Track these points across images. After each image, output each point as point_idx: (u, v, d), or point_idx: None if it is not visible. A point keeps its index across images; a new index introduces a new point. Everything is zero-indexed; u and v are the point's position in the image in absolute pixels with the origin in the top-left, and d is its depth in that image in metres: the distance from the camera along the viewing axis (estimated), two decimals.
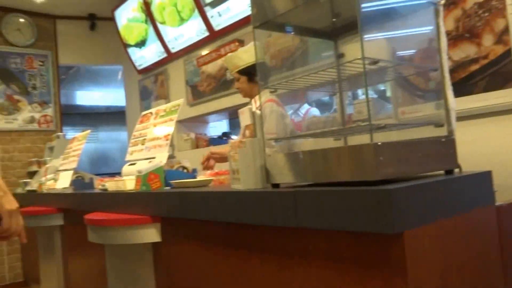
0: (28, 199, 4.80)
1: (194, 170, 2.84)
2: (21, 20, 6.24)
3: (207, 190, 2.01)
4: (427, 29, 1.78)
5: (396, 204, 1.22)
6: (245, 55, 3.02)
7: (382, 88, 2.15)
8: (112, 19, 6.08)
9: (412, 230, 1.27)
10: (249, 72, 3.05)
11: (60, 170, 4.23)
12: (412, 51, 1.92)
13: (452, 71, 2.55)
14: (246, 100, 4.19)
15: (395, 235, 1.24)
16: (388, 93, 2.14)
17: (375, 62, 1.46)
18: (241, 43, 4.32)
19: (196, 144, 5.15)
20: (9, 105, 6.10)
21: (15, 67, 6.18)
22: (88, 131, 4.29)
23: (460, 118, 1.82)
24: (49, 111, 6.40)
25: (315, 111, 3.13)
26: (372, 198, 1.25)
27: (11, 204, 1.47)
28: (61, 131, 6.44)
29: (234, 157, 1.86)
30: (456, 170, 1.67)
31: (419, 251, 1.30)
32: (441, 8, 1.74)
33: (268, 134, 2.73)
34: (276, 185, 1.73)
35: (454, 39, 2.63)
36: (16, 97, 6.17)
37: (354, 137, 1.88)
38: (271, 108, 2.91)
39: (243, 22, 4.20)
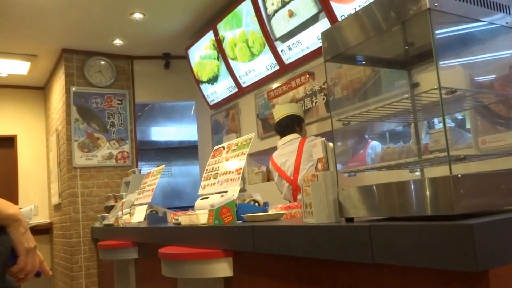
0: (105, 233, 4.97)
1: (266, 204, 2.83)
2: (102, 62, 6.59)
3: (279, 224, 1.99)
4: (508, 53, 1.70)
5: (479, 240, 1.14)
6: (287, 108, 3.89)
7: (460, 116, 2.06)
8: (185, 57, 6.28)
9: (498, 269, 1.19)
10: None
11: (135, 205, 4.34)
12: (491, 77, 1.84)
13: None
14: (317, 131, 4.17)
15: (480, 274, 1.16)
16: (467, 122, 2.05)
17: (452, 91, 1.40)
18: (312, 75, 4.32)
19: (267, 177, 5.15)
20: (89, 142, 6.39)
21: (96, 107, 6.50)
22: (163, 166, 4.39)
23: None
24: (126, 147, 6.64)
25: (376, 144, 3.09)
26: (452, 234, 1.18)
27: (30, 242, 1.42)
28: (137, 167, 6.65)
29: (307, 191, 1.83)
30: None
31: None
32: None
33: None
34: (350, 219, 1.68)
35: None
36: (96, 134, 6.46)
37: (431, 168, 1.80)
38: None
39: (313, 55, 4.21)
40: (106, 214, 5.66)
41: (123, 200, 5.16)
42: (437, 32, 1.40)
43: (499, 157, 1.68)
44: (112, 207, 5.80)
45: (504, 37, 1.66)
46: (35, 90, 7.88)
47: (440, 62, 1.38)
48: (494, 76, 1.82)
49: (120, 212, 4.69)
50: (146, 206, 3.97)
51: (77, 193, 6.24)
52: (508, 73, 1.71)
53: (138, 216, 4.02)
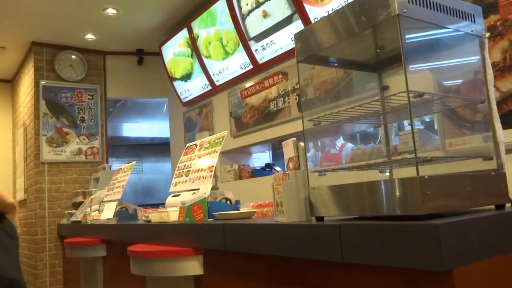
0: (72, 230, 4.90)
1: (237, 202, 2.84)
2: (73, 56, 6.49)
3: (250, 223, 2.00)
4: (473, 60, 1.75)
5: (445, 240, 1.18)
6: None
7: (428, 119, 2.11)
8: (159, 54, 6.24)
9: (462, 268, 1.23)
10: None
11: (105, 201, 4.30)
12: (458, 83, 1.89)
13: (500, 102, 2.49)
14: (289, 131, 4.20)
15: (445, 273, 1.20)
16: (435, 124, 2.10)
17: (420, 95, 1.44)
18: (285, 75, 4.36)
19: (239, 176, 5.16)
20: (58, 137, 6.28)
21: (66, 101, 6.39)
22: (134, 162, 4.36)
23: (510, 151, 1.76)
24: (96, 143, 6.56)
25: (350, 146, 3.13)
26: (419, 234, 1.22)
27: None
28: (107, 163, 6.58)
29: (278, 189, 1.85)
30: (508, 204, 1.61)
31: None
32: (486, 41, 1.71)
33: None
34: (320, 218, 1.71)
35: (502, 70, 2.57)
36: (65, 129, 6.36)
37: (400, 169, 1.85)
38: None
39: (286, 55, 4.24)
40: (73, 211, 5.58)
41: (92, 196, 5.10)
42: (406, 37, 1.43)
43: (465, 159, 1.74)
44: (80, 203, 5.72)
45: (469, 44, 1.71)
46: (2, 83, 7.72)
47: (409, 66, 1.42)
48: (461, 81, 1.88)
49: (89, 209, 4.64)
50: (116, 202, 3.94)
51: (44, 189, 6.13)
52: (473, 78, 1.77)
53: (107, 213, 3.98)
